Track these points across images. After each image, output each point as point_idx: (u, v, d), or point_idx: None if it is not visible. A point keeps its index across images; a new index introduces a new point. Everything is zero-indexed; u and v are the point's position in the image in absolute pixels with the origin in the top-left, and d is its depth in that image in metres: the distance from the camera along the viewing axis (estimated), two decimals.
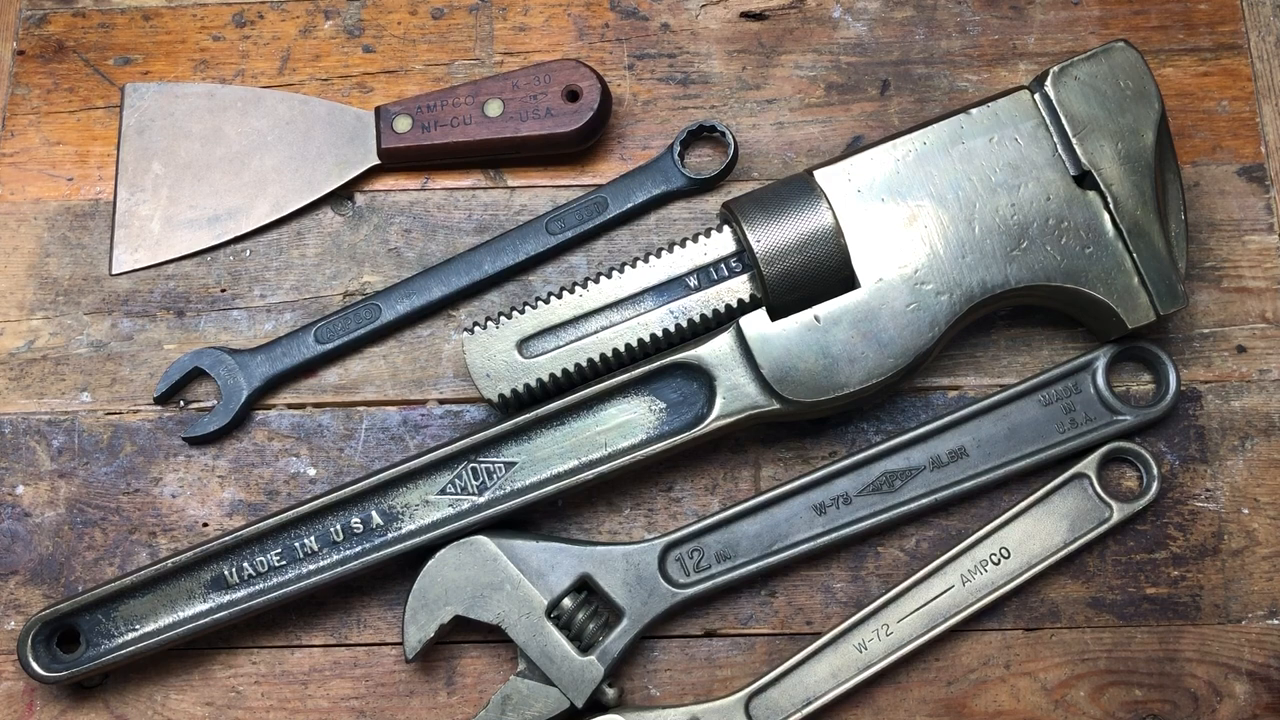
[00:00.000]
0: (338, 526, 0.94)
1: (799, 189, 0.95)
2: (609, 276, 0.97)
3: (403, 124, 1.05)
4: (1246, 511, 0.98)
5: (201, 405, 1.02)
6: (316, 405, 1.02)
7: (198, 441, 1.01)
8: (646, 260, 0.97)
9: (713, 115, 1.08)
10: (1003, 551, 0.96)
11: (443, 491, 0.95)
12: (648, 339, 0.96)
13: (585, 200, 1.05)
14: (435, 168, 1.07)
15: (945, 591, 0.95)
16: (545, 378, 0.95)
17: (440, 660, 0.97)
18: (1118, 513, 0.97)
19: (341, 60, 1.10)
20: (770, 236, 0.93)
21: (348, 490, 0.94)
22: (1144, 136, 0.96)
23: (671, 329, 0.96)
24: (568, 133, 1.04)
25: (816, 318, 0.94)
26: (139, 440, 1.01)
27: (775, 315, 0.94)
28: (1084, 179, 0.96)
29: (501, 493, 0.95)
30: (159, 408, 1.02)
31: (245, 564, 0.94)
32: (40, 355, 1.03)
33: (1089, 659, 0.96)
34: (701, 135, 1.06)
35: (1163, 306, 0.95)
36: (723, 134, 1.05)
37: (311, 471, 1.00)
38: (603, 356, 0.95)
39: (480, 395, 0.96)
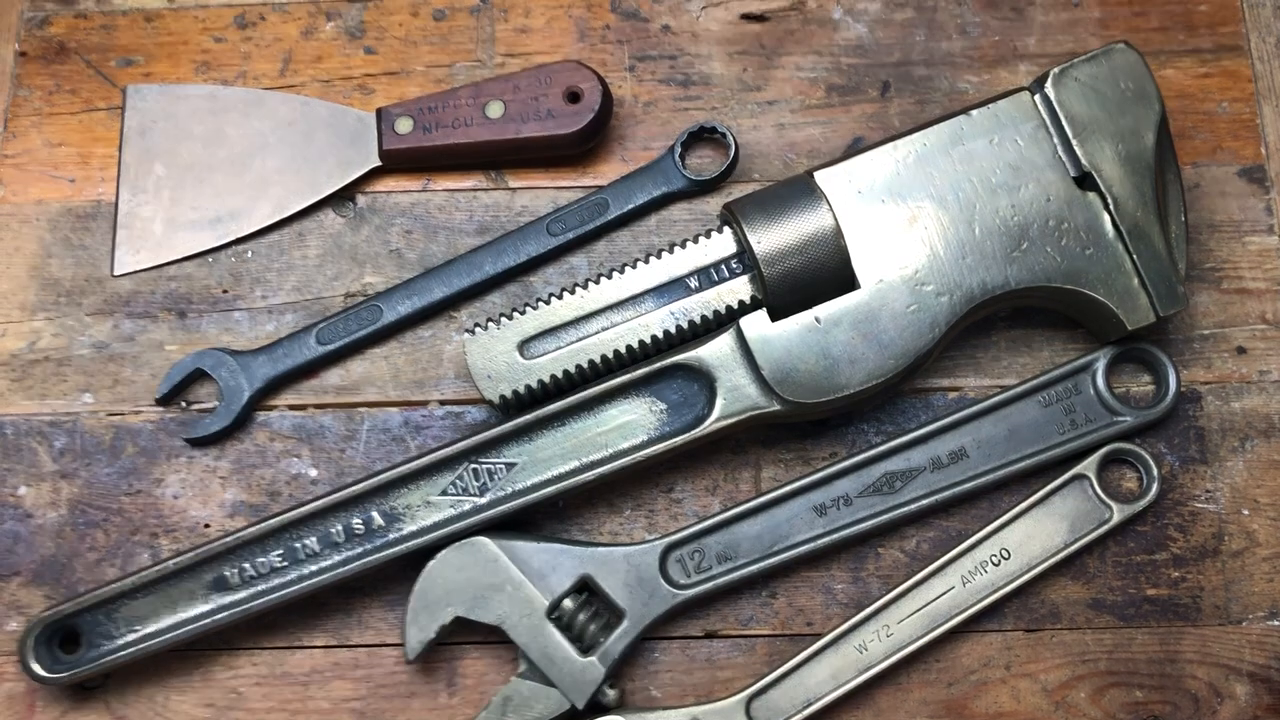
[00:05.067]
0: (339, 527, 0.94)
1: (800, 190, 0.95)
2: (610, 277, 0.97)
3: (404, 125, 1.05)
4: (1246, 512, 0.98)
5: (203, 406, 1.02)
6: (318, 406, 1.02)
7: (199, 442, 1.01)
8: (647, 261, 0.97)
9: (713, 117, 1.08)
10: (1003, 552, 0.96)
11: (444, 492, 0.95)
12: (648, 340, 0.96)
13: (586, 201, 1.05)
14: (436, 169, 1.08)
15: (945, 593, 0.95)
16: (546, 379, 0.95)
17: (441, 661, 0.97)
18: (1118, 514, 0.97)
19: (343, 62, 1.11)
20: (771, 238, 0.93)
21: (349, 491, 0.94)
22: (1144, 138, 0.96)
23: (672, 330, 0.96)
24: (569, 134, 1.04)
25: (817, 319, 0.94)
26: (141, 441, 1.01)
27: (776, 316, 0.94)
28: (1084, 180, 0.96)
29: (502, 494, 0.95)
30: (161, 409, 1.02)
31: (246, 565, 0.94)
32: (42, 356, 1.03)
33: (1089, 660, 0.96)
34: (702, 136, 1.06)
35: (1163, 308, 0.95)
36: (723, 135, 1.05)
37: (313, 472, 1.01)
38: (603, 358, 0.95)
39: (481, 396, 0.96)
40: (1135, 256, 0.95)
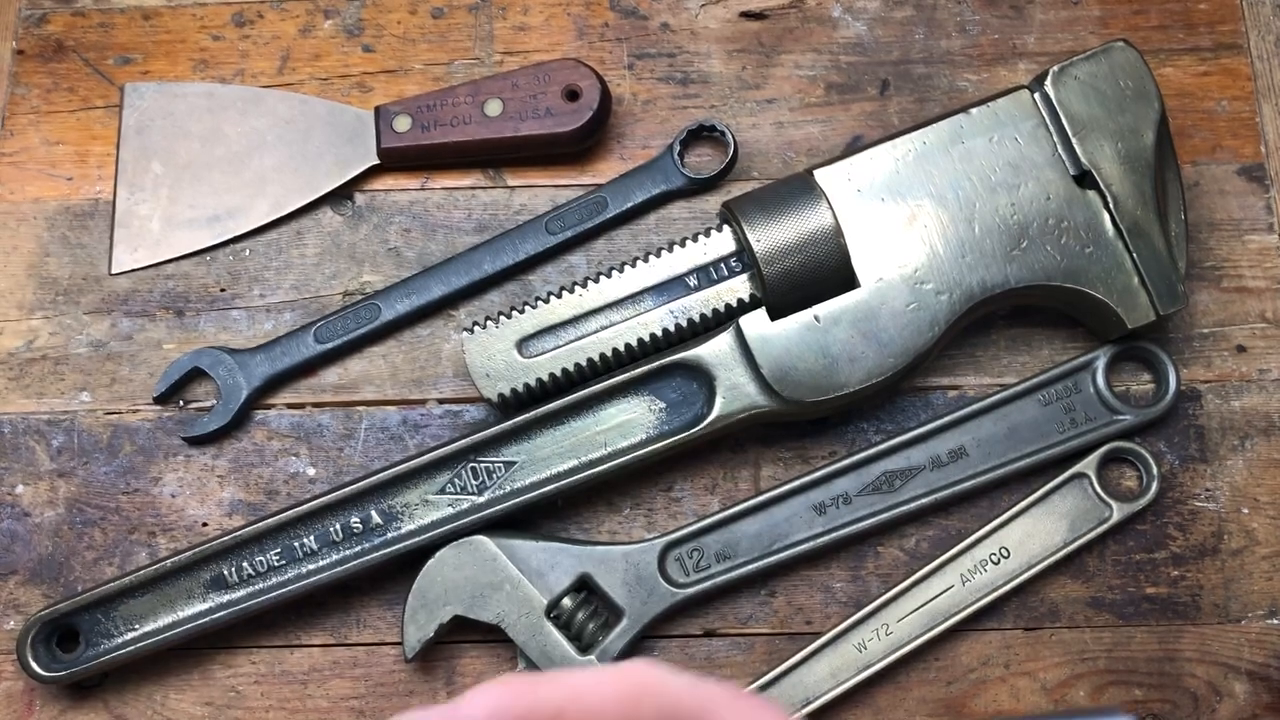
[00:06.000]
0: (337, 526, 0.94)
1: (799, 189, 0.95)
2: (609, 276, 0.97)
3: (402, 123, 1.05)
4: (1246, 511, 0.98)
5: (201, 405, 1.02)
6: (316, 405, 1.02)
7: (197, 441, 1.01)
8: (646, 260, 0.97)
9: (712, 115, 1.08)
10: (1002, 551, 0.96)
11: (442, 491, 0.95)
12: (647, 339, 0.95)
13: (585, 200, 1.05)
14: (435, 167, 1.07)
15: (945, 591, 0.95)
16: (545, 377, 0.95)
17: (440, 660, 0.97)
18: (1117, 512, 0.97)
19: (341, 60, 1.10)
20: (770, 236, 0.93)
21: (347, 490, 0.94)
22: (1144, 136, 0.96)
23: (671, 329, 0.96)
24: (567, 132, 1.04)
25: (816, 317, 0.94)
26: (138, 440, 1.01)
27: (775, 315, 0.94)
28: (1084, 179, 0.96)
29: (501, 492, 0.94)
30: (158, 407, 1.02)
31: (245, 564, 0.94)
32: (40, 355, 1.03)
33: (1089, 659, 0.96)
34: (701, 135, 1.06)
35: (1162, 306, 0.95)
36: (722, 134, 1.05)
37: (311, 471, 1.00)
38: (602, 356, 0.95)
39: (480, 395, 0.96)
40: (1135, 255, 0.95)
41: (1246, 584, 0.97)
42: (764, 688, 0.94)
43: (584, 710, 0.46)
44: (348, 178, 1.06)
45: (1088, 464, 0.97)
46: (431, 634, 0.93)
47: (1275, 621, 0.96)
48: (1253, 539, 0.98)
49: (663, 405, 0.96)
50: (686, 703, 0.47)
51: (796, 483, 0.96)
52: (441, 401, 1.02)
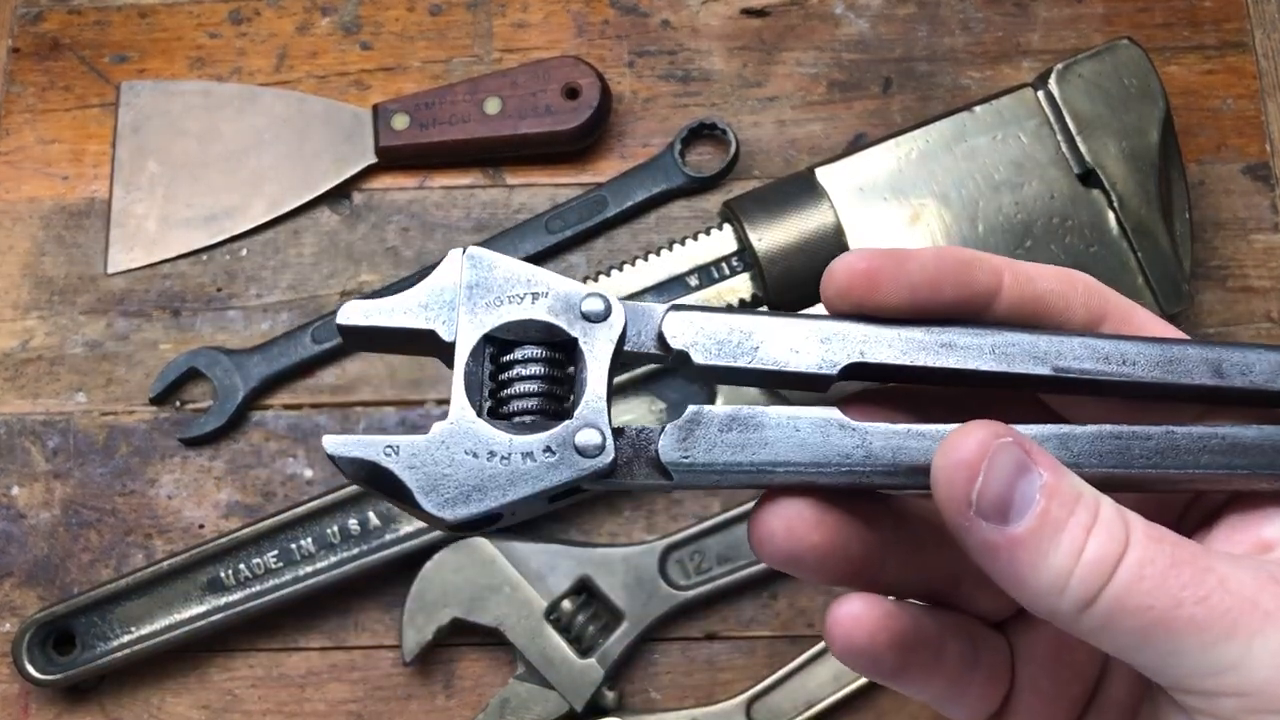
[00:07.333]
0: (335, 528, 0.94)
1: (801, 187, 0.94)
2: (609, 275, 0.96)
3: (400, 122, 1.04)
4: None
5: (197, 406, 1.01)
6: (313, 406, 1.01)
7: (194, 442, 1.00)
8: (646, 259, 0.96)
9: (713, 113, 1.07)
10: None
11: None
12: None
13: (585, 199, 1.04)
14: (433, 166, 1.07)
15: None
16: None
17: (438, 663, 0.96)
18: None
19: (338, 58, 1.10)
20: (772, 235, 0.92)
21: (345, 492, 0.93)
22: (1148, 135, 0.95)
23: None
24: (567, 130, 1.03)
25: None
26: (135, 441, 1.00)
27: None
28: (1088, 177, 0.95)
29: None
30: (155, 408, 1.01)
31: (241, 566, 0.93)
32: (35, 355, 1.03)
33: None
34: (702, 133, 1.05)
35: (1167, 306, 0.94)
36: (724, 132, 1.04)
37: (308, 473, 1.00)
38: None
39: None
40: (1140, 254, 0.94)
41: None
42: (766, 691, 0.93)
43: (1021, 271, 0.52)
44: (345, 176, 1.05)
45: None
46: (430, 637, 0.92)
47: None
48: None
49: (663, 405, 0.95)
50: (1113, 297, 0.55)
51: None
52: (440, 402, 1.01)
